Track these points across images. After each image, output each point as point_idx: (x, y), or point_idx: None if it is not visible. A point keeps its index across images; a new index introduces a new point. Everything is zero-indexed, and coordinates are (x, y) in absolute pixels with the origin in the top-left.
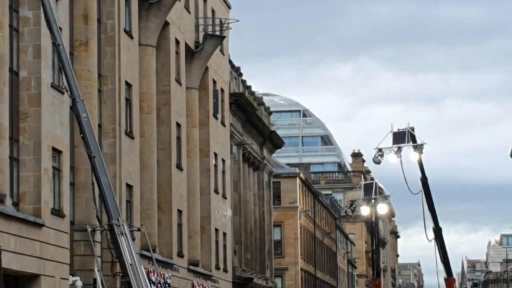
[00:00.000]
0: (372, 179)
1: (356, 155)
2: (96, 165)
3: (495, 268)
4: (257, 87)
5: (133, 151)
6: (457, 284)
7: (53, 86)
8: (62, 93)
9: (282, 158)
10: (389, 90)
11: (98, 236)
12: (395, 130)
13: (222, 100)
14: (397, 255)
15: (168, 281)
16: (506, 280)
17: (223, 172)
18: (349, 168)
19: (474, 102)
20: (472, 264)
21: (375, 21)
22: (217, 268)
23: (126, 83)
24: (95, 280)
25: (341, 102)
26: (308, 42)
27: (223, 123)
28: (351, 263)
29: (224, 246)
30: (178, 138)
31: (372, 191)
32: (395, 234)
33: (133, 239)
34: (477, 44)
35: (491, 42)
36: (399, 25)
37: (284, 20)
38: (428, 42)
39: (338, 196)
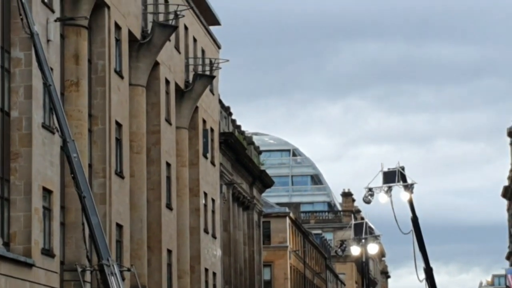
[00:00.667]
0: (362, 218)
1: (346, 195)
2: (87, 205)
3: None
4: (247, 126)
5: (123, 191)
6: None
7: (44, 126)
8: (53, 133)
9: (272, 197)
10: (378, 129)
11: (88, 276)
12: (385, 169)
13: (212, 140)
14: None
15: None
16: None
17: (213, 211)
18: (339, 208)
19: (464, 142)
20: None
21: (364, 60)
22: None
23: (117, 123)
24: None
25: (330, 141)
26: (297, 82)
27: (213, 163)
28: None
29: (214, 286)
30: (168, 178)
31: (362, 231)
32: (385, 274)
33: (123, 279)
34: (466, 83)
35: (481, 81)
36: (388, 64)
37: (273, 60)
38: (417, 82)
39: (328, 236)
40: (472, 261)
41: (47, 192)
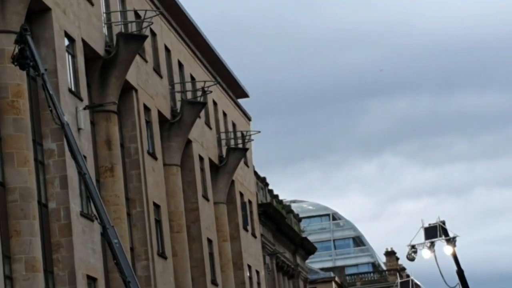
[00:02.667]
0: (407, 276)
1: (389, 254)
2: None
3: None
4: (284, 195)
5: (167, 271)
6: None
7: (82, 214)
8: (92, 220)
9: (316, 263)
10: (415, 184)
11: None
12: (426, 225)
13: (251, 212)
14: None
15: None
16: None
17: (258, 283)
18: (384, 267)
19: (503, 188)
20: None
21: (394, 116)
22: None
23: (154, 204)
24: None
25: (368, 200)
26: (329, 144)
27: (253, 235)
28: None
29: None
30: (211, 254)
31: None
32: None
33: None
34: (498, 130)
35: None
36: (419, 118)
37: (304, 125)
38: (449, 133)
39: None
40: None
41: (91, 279)
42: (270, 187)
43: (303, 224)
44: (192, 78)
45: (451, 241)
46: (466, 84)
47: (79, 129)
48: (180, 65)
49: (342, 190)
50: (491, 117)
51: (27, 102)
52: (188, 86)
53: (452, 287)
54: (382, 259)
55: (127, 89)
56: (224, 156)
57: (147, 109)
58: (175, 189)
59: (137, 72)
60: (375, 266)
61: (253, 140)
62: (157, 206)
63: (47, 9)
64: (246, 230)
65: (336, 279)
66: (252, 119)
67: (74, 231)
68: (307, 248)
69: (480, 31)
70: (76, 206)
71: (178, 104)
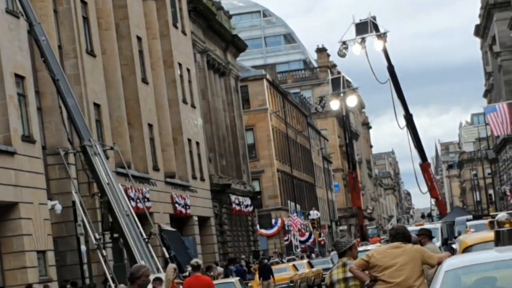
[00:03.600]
0: (339, 73)
1: (321, 50)
2: (61, 88)
3: (468, 148)
4: None
5: (97, 70)
6: (432, 168)
7: (8, 11)
8: (18, 17)
9: (247, 61)
10: None
11: (71, 159)
12: (357, 21)
13: (180, 9)
14: (371, 146)
15: (147, 195)
16: (480, 158)
17: (189, 81)
18: (315, 64)
19: None
20: (446, 147)
21: None
22: (194, 177)
23: (81, 1)
24: (73, 203)
25: None
26: None
27: (183, 32)
28: (326, 159)
29: (199, 155)
30: (140, 52)
31: (340, 85)
32: (366, 125)
33: (107, 158)
34: None
35: None
36: None
37: None
38: None
39: (307, 94)
40: (451, 101)
41: (19, 78)
42: None
43: (233, 21)
44: None
45: (382, 36)
46: None
47: None
48: None
49: None
50: None
51: None
52: None
53: (383, 82)
54: (313, 56)
55: None
56: None
57: None
58: None
59: None
60: (306, 63)
61: None
62: (84, 3)
63: None
64: (176, 27)
65: (267, 76)
66: None
67: (0, 29)
68: (238, 46)
69: None
70: (2, 2)
71: None
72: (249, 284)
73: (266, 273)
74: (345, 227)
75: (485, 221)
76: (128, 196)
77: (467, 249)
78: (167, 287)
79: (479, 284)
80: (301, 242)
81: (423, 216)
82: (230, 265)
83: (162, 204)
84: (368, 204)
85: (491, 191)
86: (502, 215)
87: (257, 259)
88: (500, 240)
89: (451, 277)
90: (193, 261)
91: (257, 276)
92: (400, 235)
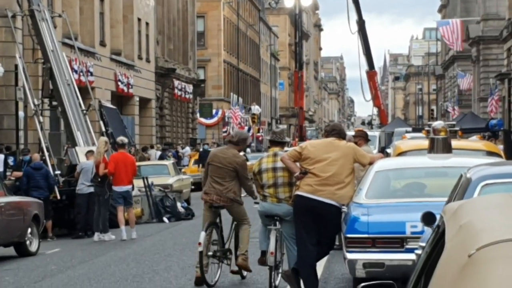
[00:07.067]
0: None
1: None
2: None
3: (417, 61)
4: None
5: None
6: (378, 77)
7: None
8: None
9: None
10: None
11: (19, 23)
12: None
13: None
14: (320, 49)
15: (91, 70)
16: (427, 73)
17: None
18: None
19: None
20: (394, 58)
21: None
22: (140, 58)
23: None
24: (16, 67)
25: None
26: None
27: None
28: (274, 56)
29: (147, 36)
30: None
31: None
32: (318, 27)
33: (55, 27)
34: None
35: None
36: None
37: None
38: None
39: None
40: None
41: None
42: None
43: None
44: None
45: None
46: None
47: None
48: None
49: None
50: None
51: None
52: None
53: None
54: None
55: None
56: None
57: None
58: None
59: None
60: None
61: None
62: None
63: None
64: None
65: None
66: None
67: None
68: None
69: None
70: None
71: None
72: (183, 170)
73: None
74: (284, 126)
75: (424, 135)
76: (72, 68)
77: (401, 155)
78: (98, 158)
79: (408, 189)
80: None
81: (363, 123)
82: (166, 149)
83: (105, 80)
84: (310, 106)
85: (433, 107)
86: (438, 123)
87: (193, 147)
88: (434, 147)
89: (380, 178)
90: (119, 138)
91: (191, 162)
92: (335, 132)
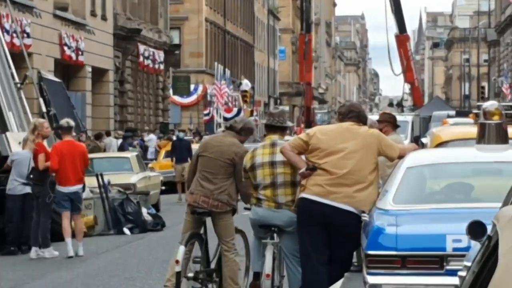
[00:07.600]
0: None
1: None
2: None
3: (463, 23)
4: None
5: None
6: (411, 43)
7: None
8: None
9: None
10: None
11: None
12: None
13: None
14: (335, 5)
15: (27, 29)
16: (477, 39)
17: None
18: None
19: None
20: (433, 18)
21: None
22: (93, 15)
23: None
24: None
25: None
26: None
27: None
28: (273, 14)
29: None
30: None
31: None
32: None
33: None
34: None
35: None
36: None
37: None
38: None
39: None
40: None
41: None
42: None
43: None
44: None
45: None
46: None
47: None
48: None
49: None
50: None
51: None
52: None
53: None
54: None
55: None
56: None
57: None
58: None
59: None
60: None
61: None
62: None
63: None
64: None
65: None
66: None
67: None
68: None
69: None
70: None
71: None
72: (150, 166)
73: (182, 152)
74: (286, 108)
75: (471, 121)
76: (2, 27)
77: (440, 146)
78: (32, 147)
79: (449, 191)
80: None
81: (391, 105)
82: (129, 137)
83: (47, 44)
84: (321, 81)
85: (484, 83)
86: (491, 104)
87: (164, 134)
88: (485, 135)
89: (413, 177)
90: (64, 121)
91: (162, 155)
92: (353, 114)
